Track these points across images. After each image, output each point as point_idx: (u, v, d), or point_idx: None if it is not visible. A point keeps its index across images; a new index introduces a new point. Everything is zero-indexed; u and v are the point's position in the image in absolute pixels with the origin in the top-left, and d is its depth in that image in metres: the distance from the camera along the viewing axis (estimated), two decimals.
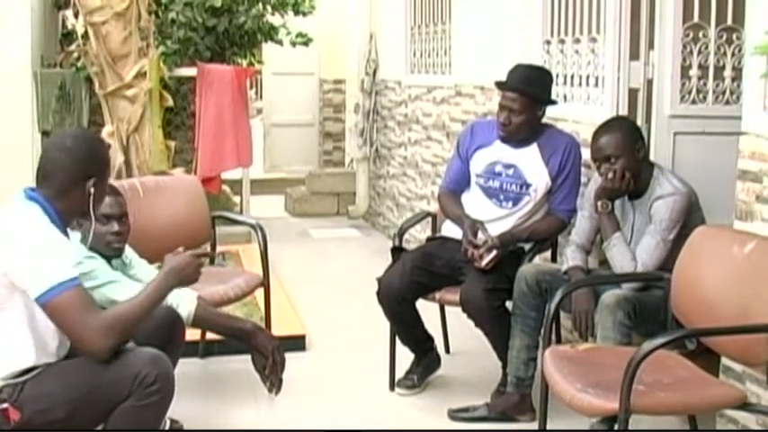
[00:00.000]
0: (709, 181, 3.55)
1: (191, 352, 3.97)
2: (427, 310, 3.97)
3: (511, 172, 3.80)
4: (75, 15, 6.11)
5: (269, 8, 7.60)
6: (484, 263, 3.59)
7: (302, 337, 4.51)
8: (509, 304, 3.58)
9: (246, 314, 4.45)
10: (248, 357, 2.97)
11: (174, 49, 6.73)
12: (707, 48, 3.77)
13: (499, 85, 3.82)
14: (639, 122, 3.81)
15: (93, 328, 2.36)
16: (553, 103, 3.89)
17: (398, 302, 3.75)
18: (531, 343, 3.52)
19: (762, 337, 2.57)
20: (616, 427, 2.54)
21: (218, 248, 4.69)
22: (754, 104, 3.00)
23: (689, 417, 2.97)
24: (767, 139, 2.95)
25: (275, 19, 7.79)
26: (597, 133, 3.42)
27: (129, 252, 3.32)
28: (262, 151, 10.44)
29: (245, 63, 7.68)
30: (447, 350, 4.36)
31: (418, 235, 5.70)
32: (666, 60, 3.75)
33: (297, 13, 7.82)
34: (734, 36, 3.77)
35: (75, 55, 6.43)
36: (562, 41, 4.47)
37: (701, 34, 3.77)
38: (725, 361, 3.08)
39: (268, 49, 8.77)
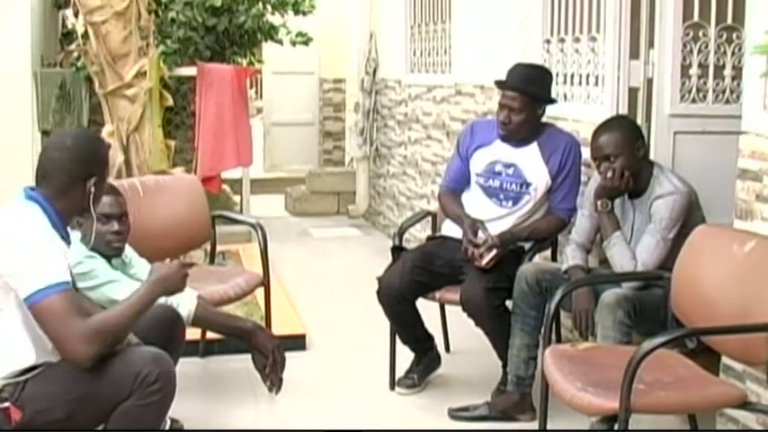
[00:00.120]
0: (709, 180, 3.55)
1: (191, 351, 3.97)
2: (427, 310, 3.97)
3: (511, 171, 3.80)
4: (75, 15, 6.10)
5: (269, 7, 7.59)
6: (484, 262, 3.59)
7: (302, 337, 4.51)
8: (509, 303, 3.58)
9: (247, 313, 4.45)
10: (248, 357, 2.97)
11: (174, 48, 6.72)
12: (707, 47, 3.78)
13: (499, 83, 3.82)
14: (639, 121, 3.81)
15: (76, 335, 2.34)
16: (553, 101, 3.89)
17: (398, 302, 3.75)
18: (531, 342, 3.52)
19: (762, 336, 2.57)
20: (616, 427, 2.54)
21: (219, 248, 4.69)
22: (754, 103, 3.00)
23: (689, 416, 2.98)
24: (767, 138, 2.95)
25: (275, 18, 7.78)
26: (597, 132, 3.42)
27: (129, 251, 3.32)
28: (262, 150, 10.44)
29: (245, 62, 7.67)
30: (447, 349, 4.36)
31: (418, 234, 5.70)
32: (666, 59, 3.76)
33: (297, 12, 7.82)
34: (734, 35, 3.77)
35: (75, 54, 6.43)
36: (562, 40, 4.47)
37: (701, 33, 3.77)
38: (725, 360, 3.08)
39: (268, 48, 8.76)
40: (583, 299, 3.31)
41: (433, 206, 4.74)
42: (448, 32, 6.17)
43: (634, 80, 3.93)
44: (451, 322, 4.33)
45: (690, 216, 3.27)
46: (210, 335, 4.00)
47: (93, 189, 2.54)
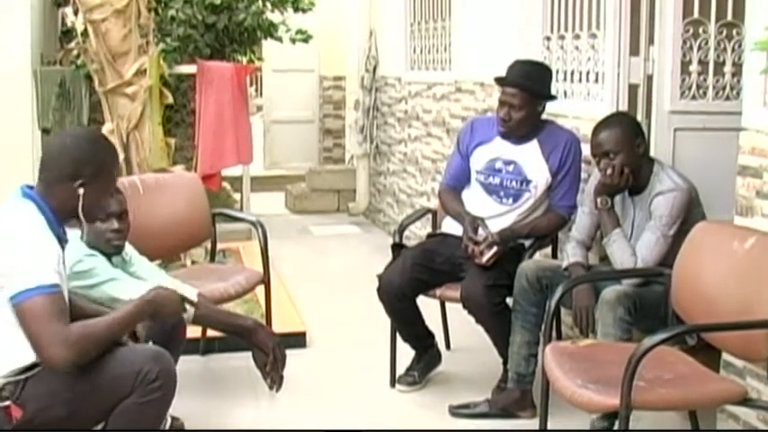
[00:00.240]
0: (710, 177, 3.55)
1: (191, 349, 3.97)
2: (428, 307, 3.97)
3: (511, 168, 3.80)
4: (75, 13, 6.10)
5: (269, 5, 7.57)
6: (484, 259, 3.59)
7: (303, 334, 4.51)
8: (509, 300, 3.58)
9: (247, 311, 4.45)
10: (249, 354, 2.96)
11: (174, 46, 6.71)
12: (707, 43, 3.78)
13: (499, 80, 3.82)
14: (639, 118, 3.81)
15: (56, 339, 2.31)
16: (553, 98, 3.89)
17: (399, 299, 3.75)
18: (531, 339, 3.52)
19: (762, 332, 2.57)
20: (617, 424, 2.54)
21: (219, 245, 4.69)
22: (754, 100, 3.00)
23: (689, 413, 2.97)
24: (767, 134, 2.95)
25: (275, 16, 7.77)
26: (597, 129, 3.42)
27: (129, 249, 3.32)
28: (262, 148, 10.44)
29: (244, 60, 7.66)
30: (448, 346, 4.36)
31: (418, 232, 5.70)
32: (666, 56, 3.75)
33: (296, 9, 7.80)
34: (734, 32, 3.77)
35: (75, 53, 6.42)
36: (562, 37, 4.47)
37: (701, 30, 3.77)
38: (725, 356, 3.08)
39: (268, 46, 8.76)
40: (583, 296, 3.31)
41: (434, 203, 4.74)
42: (448, 30, 6.16)
43: (634, 77, 3.93)
44: (452, 319, 4.33)
45: (690, 213, 3.27)
46: (211, 333, 4.00)
47: (82, 191, 2.49)
